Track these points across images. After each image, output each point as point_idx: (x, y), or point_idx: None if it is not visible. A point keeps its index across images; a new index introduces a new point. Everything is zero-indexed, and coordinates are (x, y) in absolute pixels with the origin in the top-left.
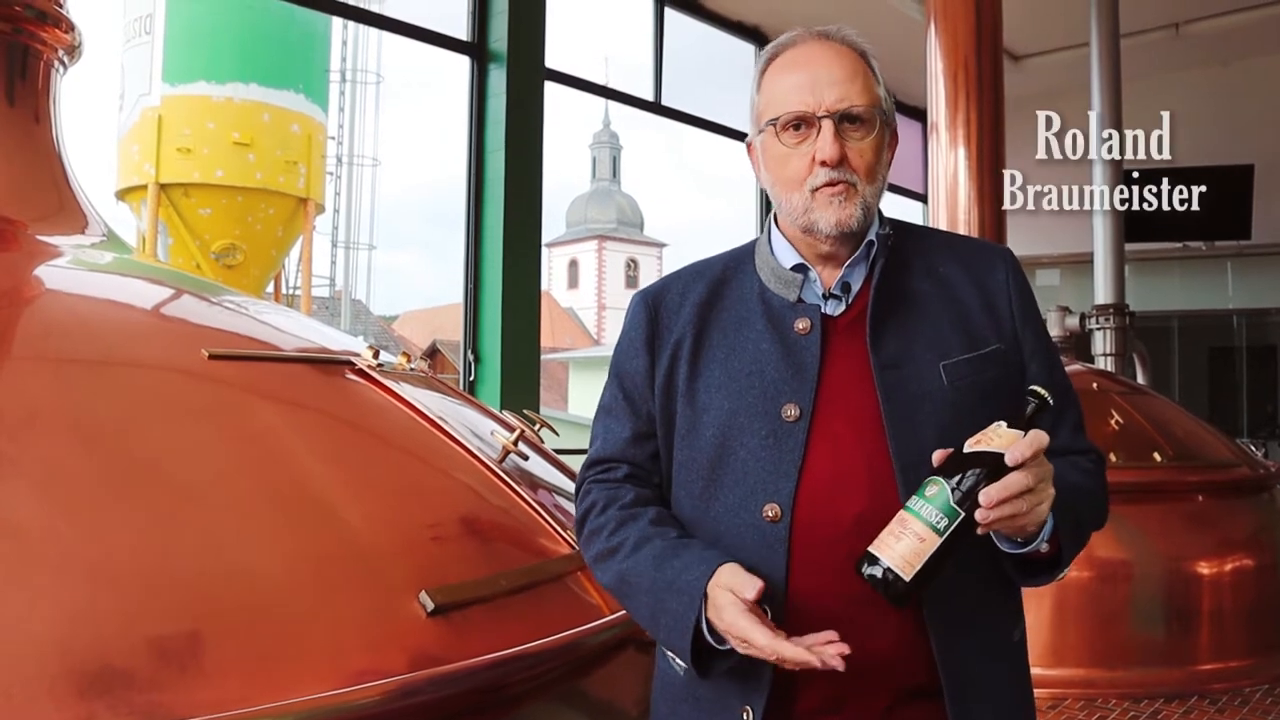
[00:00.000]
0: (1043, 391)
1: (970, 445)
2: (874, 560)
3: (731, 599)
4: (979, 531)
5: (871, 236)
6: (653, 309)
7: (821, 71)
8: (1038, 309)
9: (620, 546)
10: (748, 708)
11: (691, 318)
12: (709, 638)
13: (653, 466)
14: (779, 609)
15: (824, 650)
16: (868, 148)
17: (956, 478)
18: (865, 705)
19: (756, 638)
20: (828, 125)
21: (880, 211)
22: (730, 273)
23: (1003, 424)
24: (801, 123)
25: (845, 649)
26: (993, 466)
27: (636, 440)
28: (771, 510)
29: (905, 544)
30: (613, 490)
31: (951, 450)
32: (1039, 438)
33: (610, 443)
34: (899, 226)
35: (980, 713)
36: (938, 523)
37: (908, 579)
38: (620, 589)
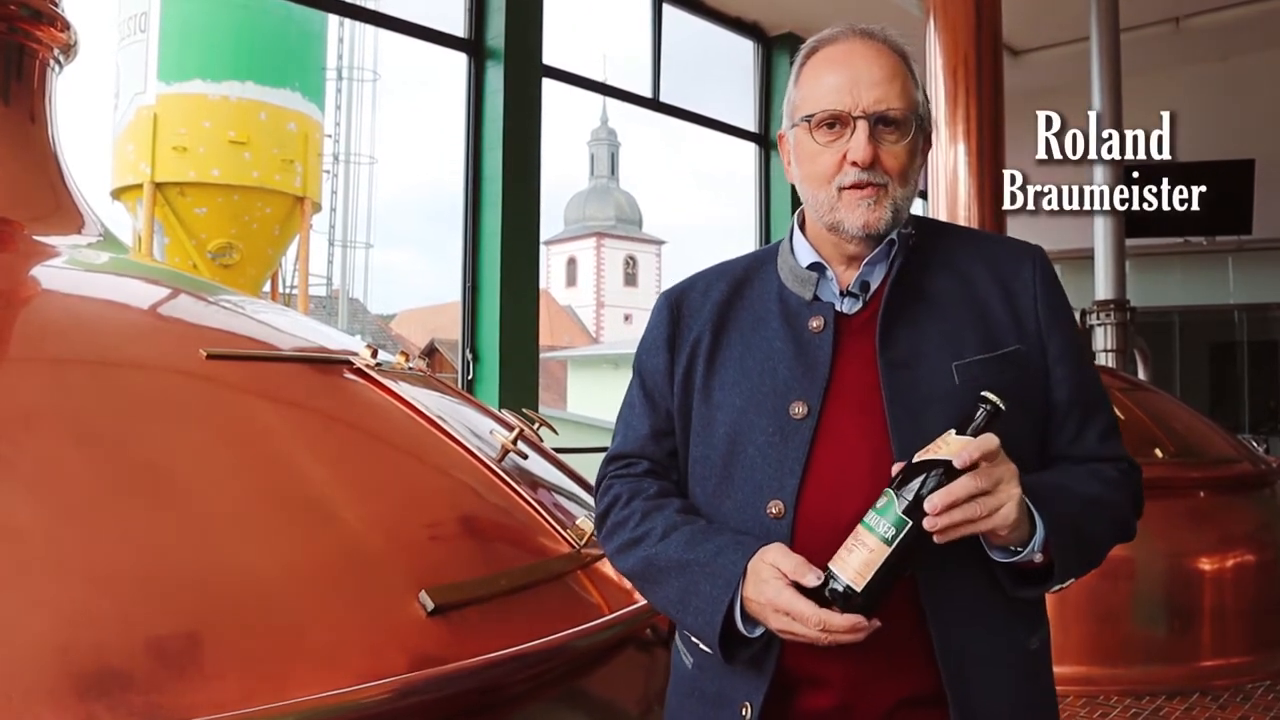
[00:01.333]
0: (993, 398)
1: (920, 455)
2: (832, 575)
3: (776, 573)
4: (938, 540)
5: (892, 235)
6: (675, 308)
7: (861, 70)
8: (1069, 311)
9: (647, 535)
10: (747, 704)
11: (711, 316)
12: (739, 624)
13: (671, 463)
14: None
15: (859, 619)
16: (902, 150)
17: (903, 488)
18: (867, 709)
19: (803, 609)
20: (862, 126)
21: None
22: (752, 272)
23: (952, 432)
24: (836, 121)
25: (877, 623)
26: (942, 475)
27: (656, 437)
28: (775, 507)
29: (857, 556)
30: (635, 483)
31: (906, 462)
32: (988, 441)
33: (630, 439)
34: (924, 224)
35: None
36: (886, 533)
37: (859, 590)
38: (646, 574)
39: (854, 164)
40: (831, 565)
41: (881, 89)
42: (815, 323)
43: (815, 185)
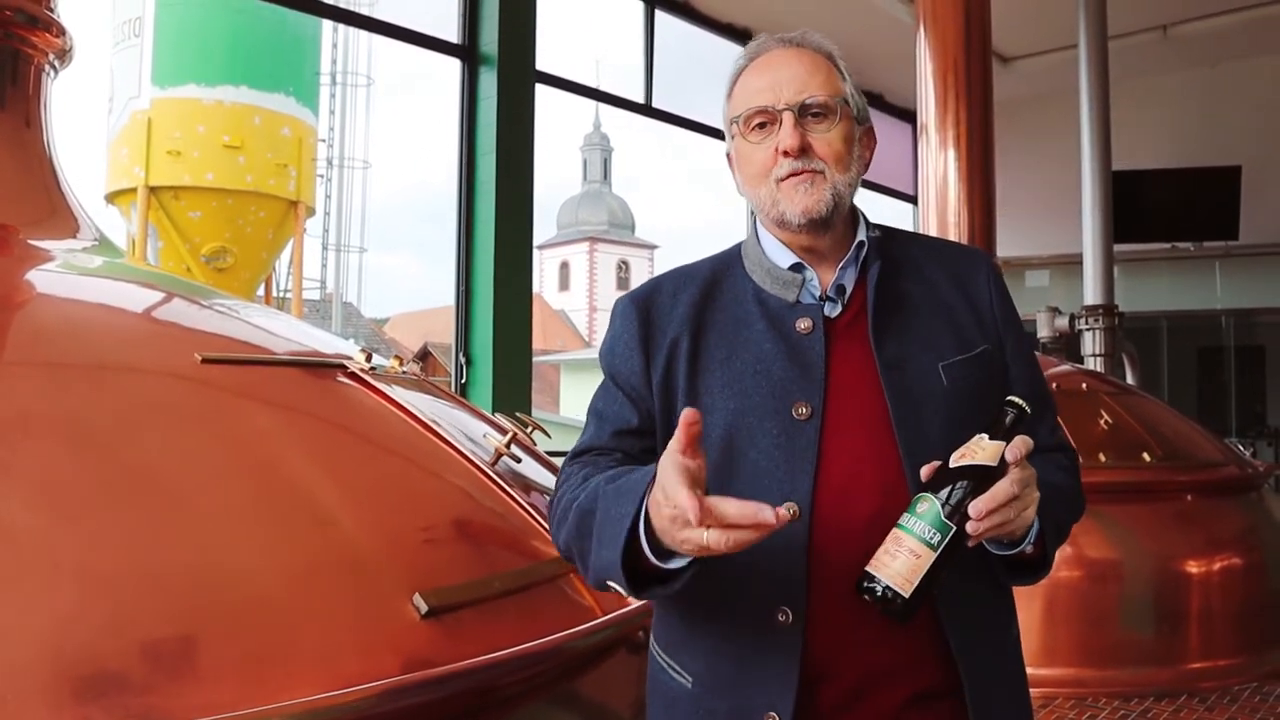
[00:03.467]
0: (1020, 401)
1: (955, 460)
2: (872, 579)
3: (672, 463)
4: (970, 543)
5: (862, 238)
6: (644, 309)
7: (783, 71)
8: (1016, 311)
9: (581, 491)
10: (773, 714)
11: (687, 318)
12: (649, 553)
13: (647, 461)
14: (800, 608)
15: (763, 508)
16: (835, 137)
17: (945, 492)
18: (881, 704)
19: (682, 498)
20: (788, 117)
21: (864, 215)
22: (720, 275)
23: (984, 436)
24: (764, 120)
25: (783, 511)
26: (979, 479)
27: (629, 434)
28: (790, 508)
29: (901, 561)
30: (595, 464)
31: (939, 464)
32: (1029, 440)
33: (603, 433)
34: (882, 230)
35: (998, 711)
36: (930, 538)
37: (906, 595)
38: (575, 529)
39: (785, 154)
40: (872, 569)
41: (802, 81)
42: (803, 324)
43: (755, 184)
